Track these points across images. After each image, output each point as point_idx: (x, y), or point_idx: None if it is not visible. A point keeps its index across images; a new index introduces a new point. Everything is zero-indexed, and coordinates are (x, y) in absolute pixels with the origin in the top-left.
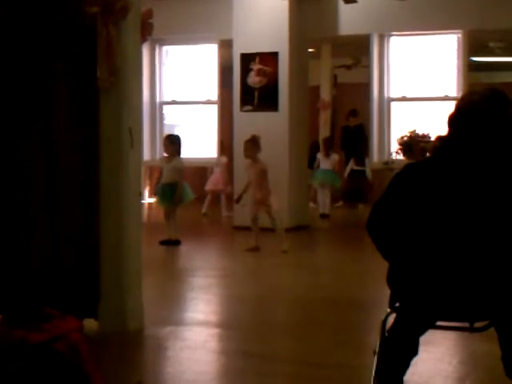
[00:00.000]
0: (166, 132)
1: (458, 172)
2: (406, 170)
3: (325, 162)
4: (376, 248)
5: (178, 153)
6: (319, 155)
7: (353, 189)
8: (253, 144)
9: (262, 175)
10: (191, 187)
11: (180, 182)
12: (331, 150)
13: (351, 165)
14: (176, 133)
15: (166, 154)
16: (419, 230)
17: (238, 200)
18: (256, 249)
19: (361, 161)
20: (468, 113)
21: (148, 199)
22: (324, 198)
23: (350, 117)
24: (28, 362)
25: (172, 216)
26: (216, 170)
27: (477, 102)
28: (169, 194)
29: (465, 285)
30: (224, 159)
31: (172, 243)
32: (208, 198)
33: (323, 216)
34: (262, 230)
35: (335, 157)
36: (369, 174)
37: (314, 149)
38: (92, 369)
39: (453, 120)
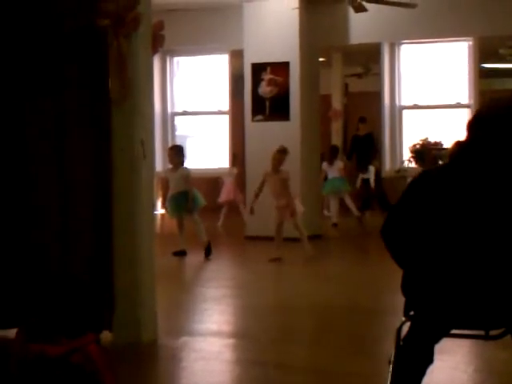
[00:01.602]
0: (178, 143)
1: (475, 179)
2: (422, 176)
3: (331, 171)
4: (390, 255)
5: (182, 163)
6: (324, 165)
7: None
8: (284, 155)
9: (284, 184)
10: (203, 198)
11: (190, 189)
12: (335, 158)
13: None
14: (187, 143)
15: (170, 165)
16: (434, 238)
17: (252, 211)
18: (278, 259)
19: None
20: (488, 119)
21: (161, 210)
22: (336, 207)
23: (359, 124)
24: (46, 374)
25: (194, 220)
26: (227, 180)
27: (498, 109)
28: (182, 202)
29: (480, 293)
30: (235, 170)
31: (208, 250)
32: (223, 211)
33: (335, 225)
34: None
35: (339, 164)
36: (372, 181)
37: (332, 153)
38: (109, 380)
39: (472, 125)
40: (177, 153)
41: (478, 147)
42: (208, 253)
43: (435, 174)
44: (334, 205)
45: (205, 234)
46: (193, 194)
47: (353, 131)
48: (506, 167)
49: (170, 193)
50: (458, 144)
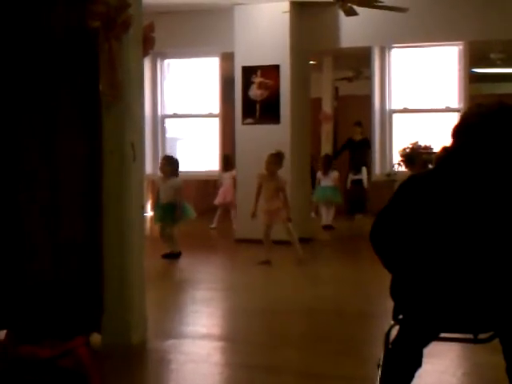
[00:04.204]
0: (168, 145)
1: (463, 183)
2: (411, 180)
3: (324, 180)
4: (379, 259)
5: (176, 174)
6: (319, 174)
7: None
8: (279, 159)
9: (280, 190)
10: (193, 200)
11: (179, 202)
12: (330, 167)
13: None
14: (177, 146)
15: (161, 174)
16: (422, 241)
17: (254, 215)
18: (267, 262)
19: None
20: (474, 125)
21: (150, 212)
22: (328, 211)
23: (356, 128)
24: (35, 377)
25: (168, 231)
26: (225, 183)
27: (483, 114)
28: (168, 213)
29: (468, 296)
30: (234, 172)
31: (173, 256)
32: (218, 213)
33: (326, 227)
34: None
35: (335, 174)
36: (365, 182)
37: (326, 162)
38: (97, 383)
39: (458, 131)
40: (168, 162)
41: (464, 153)
42: (169, 256)
43: (423, 178)
44: (324, 210)
45: (177, 246)
46: (182, 206)
47: (343, 135)
48: (492, 173)
49: (160, 201)
50: (445, 149)
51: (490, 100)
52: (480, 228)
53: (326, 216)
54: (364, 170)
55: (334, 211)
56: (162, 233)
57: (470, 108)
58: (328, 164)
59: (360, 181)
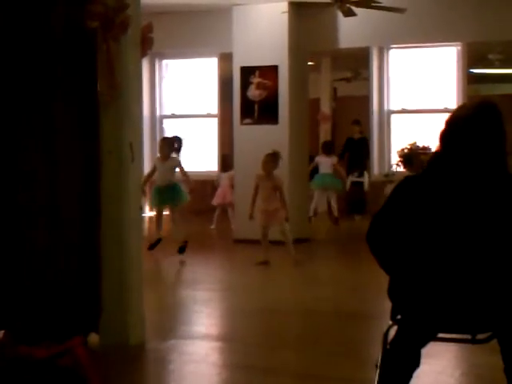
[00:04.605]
0: None
1: (453, 185)
2: (406, 182)
3: (325, 165)
4: (376, 260)
5: (177, 152)
6: (318, 158)
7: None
8: (275, 159)
9: (276, 190)
10: (191, 201)
11: (184, 174)
12: (331, 152)
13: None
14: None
15: (159, 154)
16: (419, 242)
17: (251, 216)
18: (265, 262)
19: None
20: (454, 128)
21: (148, 213)
22: (323, 198)
23: (354, 126)
24: (33, 377)
25: (174, 217)
26: (223, 183)
27: (462, 117)
28: (167, 196)
29: (466, 296)
30: (232, 173)
31: (182, 248)
32: (217, 213)
33: (313, 216)
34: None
35: (334, 158)
36: (366, 185)
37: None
38: (96, 383)
39: (441, 135)
40: (168, 143)
41: (449, 157)
42: (182, 251)
43: (418, 179)
44: (317, 197)
45: (182, 234)
46: (188, 180)
47: (341, 135)
48: (479, 174)
49: (157, 184)
50: (435, 152)
51: (473, 101)
52: (474, 228)
53: (318, 205)
54: (366, 173)
55: (336, 200)
56: (158, 218)
57: (453, 111)
58: (329, 149)
59: (360, 182)
